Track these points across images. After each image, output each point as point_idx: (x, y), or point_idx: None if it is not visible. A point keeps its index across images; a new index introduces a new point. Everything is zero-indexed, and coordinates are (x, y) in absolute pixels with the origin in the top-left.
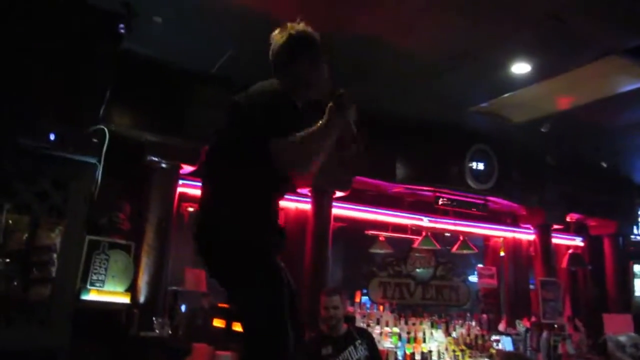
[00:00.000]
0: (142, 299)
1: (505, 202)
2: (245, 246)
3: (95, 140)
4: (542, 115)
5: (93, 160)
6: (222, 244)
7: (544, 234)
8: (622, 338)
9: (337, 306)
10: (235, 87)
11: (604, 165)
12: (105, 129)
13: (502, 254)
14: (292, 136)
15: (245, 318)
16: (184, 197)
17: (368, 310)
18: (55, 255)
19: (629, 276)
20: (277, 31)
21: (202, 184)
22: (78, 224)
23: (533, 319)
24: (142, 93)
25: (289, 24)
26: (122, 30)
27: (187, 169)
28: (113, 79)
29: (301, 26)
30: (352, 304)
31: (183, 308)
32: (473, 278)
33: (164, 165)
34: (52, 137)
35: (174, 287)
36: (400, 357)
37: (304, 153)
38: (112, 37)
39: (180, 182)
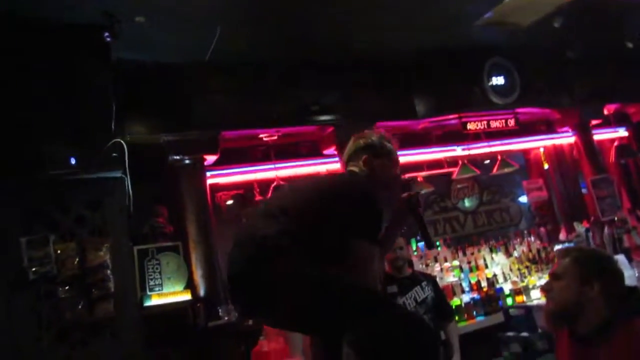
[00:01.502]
0: (202, 292)
1: (535, 110)
2: None
3: (115, 154)
4: (550, 11)
5: (119, 175)
6: None
7: (584, 132)
8: None
9: (402, 247)
10: (230, 69)
11: (630, 45)
12: (122, 142)
13: (545, 166)
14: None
15: None
16: (216, 187)
17: (424, 252)
18: (109, 272)
19: None
20: (356, 135)
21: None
22: (122, 237)
23: (592, 219)
24: (148, 97)
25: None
26: (109, 39)
27: (210, 159)
28: (114, 90)
29: (379, 133)
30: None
31: None
32: (523, 199)
33: (187, 161)
34: (72, 161)
35: None
36: (466, 287)
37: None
38: (101, 48)
39: (208, 174)
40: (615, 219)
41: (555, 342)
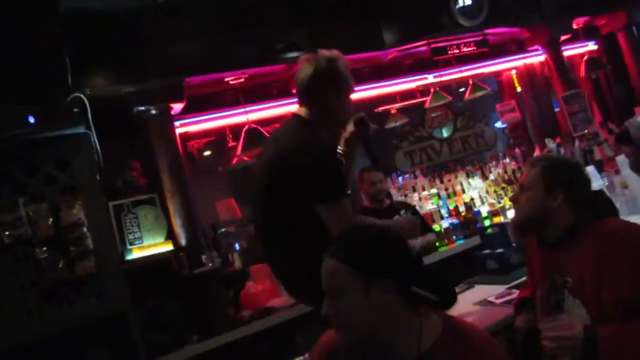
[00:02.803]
0: (183, 242)
1: (504, 29)
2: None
3: (76, 110)
4: None
5: (83, 130)
6: None
7: (554, 49)
8: None
9: (381, 179)
10: (188, 11)
11: None
12: (82, 96)
13: (518, 89)
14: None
15: None
16: (187, 136)
17: (401, 182)
18: (85, 229)
19: None
20: (303, 58)
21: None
22: (94, 194)
23: (564, 134)
24: (104, 48)
25: (318, 52)
26: None
27: (177, 108)
28: (67, 42)
29: (327, 55)
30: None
31: (237, 246)
32: (498, 124)
33: (153, 112)
34: (31, 120)
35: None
36: (445, 214)
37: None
38: None
39: (177, 123)
40: (586, 132)
41: (524, 252)
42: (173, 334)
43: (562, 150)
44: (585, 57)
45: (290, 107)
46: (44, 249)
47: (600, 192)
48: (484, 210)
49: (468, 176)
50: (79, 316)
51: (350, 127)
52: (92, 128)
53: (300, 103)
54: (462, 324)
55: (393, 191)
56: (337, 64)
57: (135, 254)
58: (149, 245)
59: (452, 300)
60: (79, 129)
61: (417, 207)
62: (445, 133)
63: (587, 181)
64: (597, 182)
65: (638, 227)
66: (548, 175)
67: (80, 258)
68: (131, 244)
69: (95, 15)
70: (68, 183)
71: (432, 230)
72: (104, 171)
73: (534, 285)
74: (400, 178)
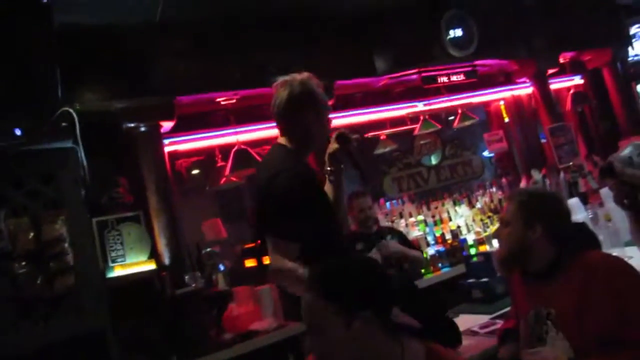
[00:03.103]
0: (166, 261)
1: (493, 61)
2: None
3: (64, 124)
4: None
5: (70, 145)
6: None
7: (541, 81)
8: (626, 151)
9: (370, 206)
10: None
11: None
12: (71, 110)
13: (506, 119)
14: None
15: None
16: (176, 155)
17: (389, 208)
18: (66, 245)
19: (634, 97)
20: (277, 85)
21: None
22: (78, 209)
23: (549, 166)
24: (97, 63)
25: (290, 76)
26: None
27: (166, 126)
28: (59, 57)
29: (299, 78)
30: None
31: (221, 267)
32: (485, 154)
33: (143, 129)
34: (18, 132)
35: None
36: (431, 241)
37: None
38: (40, 12)
39: (166, 141)
40: (571, 164)
41: (508, 284)
42: (152, 355)
43: (547, 182)
44: (572, 91)
45: None
46: (23, 263)
47: (581, 225)
48: (470, 239)
49: (455, 204)
50: (55, 333)
51: (333, 145)
52: (80, 143)
53: (281, 131)
54: (446, 354)
55: (380, 217)
56: (310, 85)
57: (117, 271)
58: (132, 264)
59: (456, 336)
60: (66, 144)
61: (404, 233)
62: (433, 160)
63: (567, 213)
64: (582, 214)
65: (618, 259)
66: (525, 209)
67: (60, 274)
68: (113, 261)
69: (89, 31)
70: (52, 197)
71: (419, 249)
72: (90, 187)
73: (517, 317)
74: (388, 204)
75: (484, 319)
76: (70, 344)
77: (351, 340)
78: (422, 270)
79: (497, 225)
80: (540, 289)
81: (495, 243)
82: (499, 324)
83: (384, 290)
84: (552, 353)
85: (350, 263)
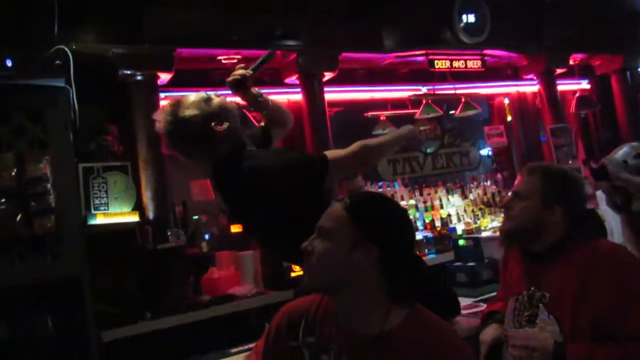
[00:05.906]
0: (151, 215)
1: (503, 53)
2: None
3: (58, 62)
4: None
5: (62, 84)
6: None
7: (548, 80)
8: (620, 154)
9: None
10: None
11: None
12: (66, 49)
13: (509, 118)
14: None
15: None
16: None
17: (381, 189)
18: (49, 186)
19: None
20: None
21: None
22: (65, 152)
23: None
24: (96, 5)
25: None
26: None
27: (164, 78)
28: None
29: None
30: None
31: (207, 237)
32: (484, 151)
33: (139, 77)
34: (9, 63)
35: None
36: (420, 226)
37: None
38: None
39: (162, 95)
40: (570, 163)
41: (502, 261)
42: (126, 308)
43: None
44: (577, 95)
45: (279, 96)
46: (3, 200)
47: (592, 211)
48: (460, 228)
49: (448, 192)
50: (29, 275)
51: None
52: (73, 84)
53: (207, 157)
54: (430, 315)
55: None
56: (213, 101)
57: (99, 219)
58: (115, 214)
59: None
60: (58, 82)
61: None
62: (431, 148)
63: (584, 196)
64: None
65: (624, 250)
66: (547, 187)
67: (40, 214)
68: (96, 209)
69: None
70: (39, 136)
71: None
72: (79, 131)
73: (506, 298)
74: (380, 184)
75: (467, 302)
76: (44, 287)
77: (345, 260)
78: None
79: (491, 218)
80: (538, 270)
81: (485, 235)
82: (482, 307)
83: (398, 233)
84: (540, 334)
85: (386, 201)
